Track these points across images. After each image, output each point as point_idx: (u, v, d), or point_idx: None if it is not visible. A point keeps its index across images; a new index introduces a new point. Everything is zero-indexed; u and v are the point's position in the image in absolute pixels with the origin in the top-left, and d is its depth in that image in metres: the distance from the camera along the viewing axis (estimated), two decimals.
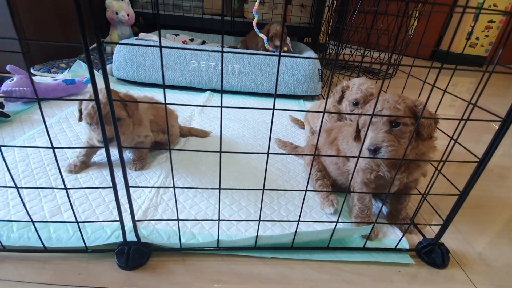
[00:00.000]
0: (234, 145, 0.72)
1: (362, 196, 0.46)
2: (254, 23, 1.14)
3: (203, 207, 0.50)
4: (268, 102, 1.05)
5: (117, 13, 1.43)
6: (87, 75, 1.07)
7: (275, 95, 0.28)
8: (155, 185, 0.54)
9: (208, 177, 0.58)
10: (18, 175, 0.54)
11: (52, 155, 0.60)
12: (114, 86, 1.07)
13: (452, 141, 0.42)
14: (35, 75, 1.12)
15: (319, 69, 1.07)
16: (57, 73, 1.11)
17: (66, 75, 0.99)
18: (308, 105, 1.06)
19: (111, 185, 0.34)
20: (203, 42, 1.51)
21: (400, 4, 1.56)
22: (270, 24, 1.18)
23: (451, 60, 2.33)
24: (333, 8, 1.59)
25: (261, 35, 1.15)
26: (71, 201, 0.47)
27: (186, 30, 1.65)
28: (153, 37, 1.14)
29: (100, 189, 0.51)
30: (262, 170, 0.61)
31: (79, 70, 1.07)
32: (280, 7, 1.62)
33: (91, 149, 0.58)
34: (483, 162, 0.36)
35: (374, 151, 0.38)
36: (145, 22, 1.63)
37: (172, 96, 1.02)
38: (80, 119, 0.51)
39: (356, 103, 0.60)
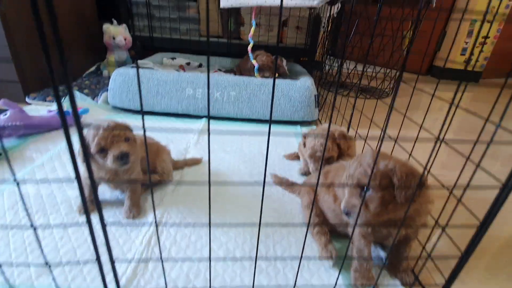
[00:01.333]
0: (230, 180, 0.70)
1: (361, 249, 0.44)
2: (249, 48, 1.15)
3: (199, 246, 0.48)
4: (265, 128, 1.04)
5: (114, 38, 1.43)
6: (82, 105, 1.06)
7: (270, 123, 0.26)
8: (147, 234, 0.52)
9: (205, 214, 0.56)
10: (5, 226, 0.52)
11: (41, 201, 0.59)
12: (110, 114, 1.06)
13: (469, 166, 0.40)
14: (30, 104, 1.11)
15: (315, 95, 1.07)
16: (53, 101, 1.10)
17: None
18: (305, 130, 1.05)
19: (95, 258, 0.32)
20: (200, 65, 1.51)
21: (395, 24, 1.57)
22: (258, 53, 1.18)
23: (447, 75, 2.35)
24: (328, 30, 1.60)
25: (253, 61, 1.15)
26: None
27: (183, 52, 1.66)
28: (149, 64, 1.14)
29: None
30: (258, 211, 0.59)
31: None
32: (276, 29, 1.63)
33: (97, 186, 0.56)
34: (506, 188, 0.31)
35: (347, 214, 0.39)
36: (142, 46, 1.64)
37: (168, 125, 1.01)
38: (86, 156, 0.49)
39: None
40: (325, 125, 0.72)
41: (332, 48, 1.59)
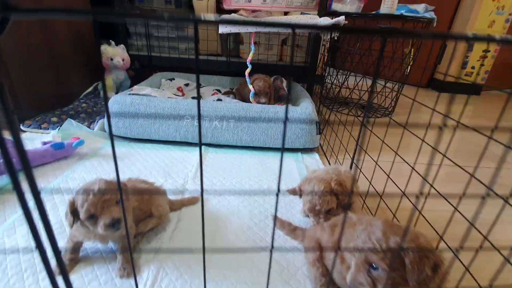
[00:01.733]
0: (229, 224, 0.67)
1: None
2: (246, 73, 1.12)
3: None
4: (265, 157, 1.01)
5: (112, 59, 1.41)
6: (77, 135, 1.03)
7: (279, 187, 0.23)
8: None
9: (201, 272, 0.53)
10: None
11: (31, 258, 0.55)
12: (106, 142, 1.03)
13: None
14: (25, 131, 1.08)
15: (316, 122, 1.04)
16: (48, 129, 1.08)
17: (55, 135, 0.95)
18: (306, 158, 1.02)
19: None
20: (199, 86, 1.49)
21: (396, 45, 1.56)
22: (256, 77, 1.16)
23: (447, 88, 2.33)
24: (327, 48, 1.58)
25: (250, 86, 1.12)
26: None
27: (182, 71, 1.64)
28: (146, 89, 1.12)
29: None
30: (260, 263, 0.56)
31: (69, 128, 1.04)
32: (275, 47, 1.61)
33: (78, 244, 0.53)
34: None
35: None
36: (141, 65, 1.62)
37: (165, 154, 0.99)
38: (73, 222, 0.46)
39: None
40: (321, 172, 0.66)
41: (332, 60, 1.57)
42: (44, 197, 0.72)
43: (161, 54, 1.58)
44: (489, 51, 2.19)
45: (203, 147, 1.04)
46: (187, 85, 1.44)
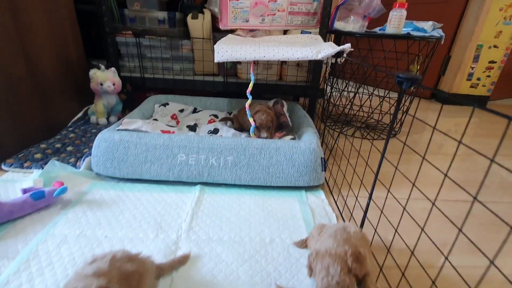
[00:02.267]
0: None
1: None
2: (246, 105, 1.05)
3: None
4: (266, 197, 0.93)
5: (101, 84, 1.33)
6: (61, 177, 0.95)
7: None
8: None
9: None
10: None
11: None
12: (93, 182, 0.95)
13: None
14: (7, 171, 1.00)
15: (321, 157, 0.96)
16: (31, 168, 1.00)
17: (36, 180, 0.87)
18: (311, 197, 0.95)
19: None
20: (195, 110, 1.41)
21: (398, 62, 1.48)
22: (258, 109, 1.08)
23: (452, 101, 2.26)
24: (329, 67, 1.51)
25: (251, 119, 1.05)
26: None
27: (177, 92, 1.57)
28: (137, 123, 1.03)
29: None
30: None
31: (52, 170, 0.95)
32: (275, 67, 1.54)
33: None
34: None
35: None
36: (133, 87, 1.54)
37: (158, 197, 0.90)
38: None
39: None
40: (330, 242, 0.56)
41: (332, 72, 1.50)
42: (21, 265, 0.64)
43: (155, 75, 1.51)
44: (495, 62, 2.12)
45: (198, 186, 0.96)
46: (182, 111, 1.36)
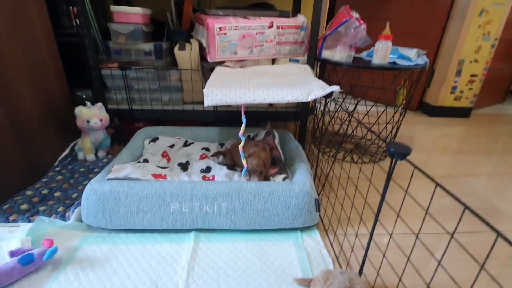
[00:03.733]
0: None
1: None
2: (240, 147, 1.04)
3: None
4: (262, 242, 0.93)
5: (88, 121, 1.30)
6: (50, 233, 0.91)
7: None
8: None
9: None
10: None
11: None
12: (83, 237, 0.92)
13: None
14: None
15: (316, 199, 0.97)
16: (17, 221, 0.96)
17: (24, 240, 0.84)
18: (306, 240, 0.95)
19: None
20: (185, 143, 1.39)
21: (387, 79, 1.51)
22: (251, 153, 1.07)
23: (437, 113, 2.32)
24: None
25: (244, 161, 1.04)
26: None
27: (167, 123, 1.55)
28: (126, 169, 1.01)
29: None
30: None
31: (41, 227, 0.92)
32: None
33: None
34: None
35: None
36: (121, 120, 1.51)
37: (152, 249, 0.89)
38: None
39: None
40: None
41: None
42: None
43: (143, 107, 1.49)
44: (476, 75, 2.18)
45: (193, 233, 0.95)
46: (172, 146, 1.33)
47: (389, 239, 0.80)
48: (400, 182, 1.29)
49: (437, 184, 0.50)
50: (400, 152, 0.54)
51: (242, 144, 1.03)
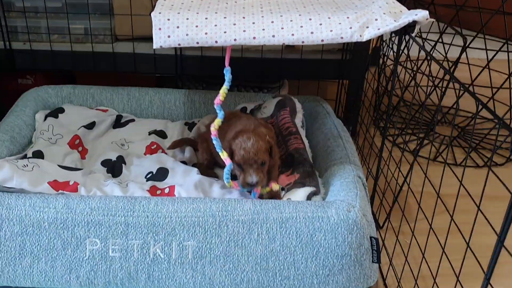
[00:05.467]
0: None
1: None
2: (212, 129, 1.09)
3: None
4: None
5: None
6: None
7: None
8: None
9: None
10: None
11: None
12: None
13: None
14: None
15: (373, 238, 1.00)
16: None
17: None
18: None
19: None
20: (118, 121, 1.42)
21: None
22: (237, 133, 1.10)
23: None
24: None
25: (222, 154, 1.08)
26: None
27: (81, 79, 1.58)
28: (2, 169, 1.05)
29: None
30: None
31: None
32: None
33: None
34: None
35: None
36: None
37: None
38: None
39: None
40: None
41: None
42: None
43: (34, 46, 1.54)
44: None
45: None
46: (91, 125, 1.36)
47: None
48: None
49: None
50: None
51: (218, 121, 1.08)
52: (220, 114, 1.08)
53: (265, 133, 1.11)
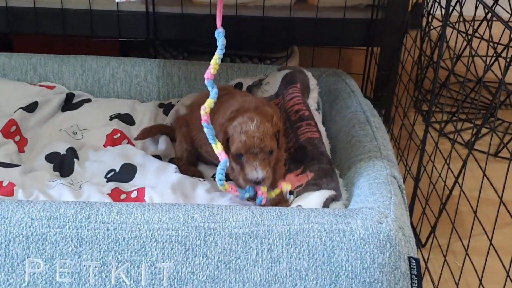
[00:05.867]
0: None
1: None
2: (203, 112, 1.04)
3: None
4: None
5: None
6: None
7: None
8: None
9: None
10: None
11: None
12: None
13: None
14: None
15: (412, 258, 0.96)
16: None
17: None
18: None
19: None
20: (69, 101, 1.37)
21: None
22: (232, 114, 1.08)
23: None
24: None
25: (216, 146, 1.05)
26: None
27: (19, 47, 1.54)
28: None
29: None
30: None
31: None
32: None
33: None
34: None
35: None
36: None
37: None
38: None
39: None
40: None
41: None
42: None
43: None
44: None
45: None
46: (32, 107, 1.30)
47: None
48: None
49: None
50: None
51: (208, 103, 1.04)
52: (213, 92, 1.06)
53: (271, 113, 1.09)
